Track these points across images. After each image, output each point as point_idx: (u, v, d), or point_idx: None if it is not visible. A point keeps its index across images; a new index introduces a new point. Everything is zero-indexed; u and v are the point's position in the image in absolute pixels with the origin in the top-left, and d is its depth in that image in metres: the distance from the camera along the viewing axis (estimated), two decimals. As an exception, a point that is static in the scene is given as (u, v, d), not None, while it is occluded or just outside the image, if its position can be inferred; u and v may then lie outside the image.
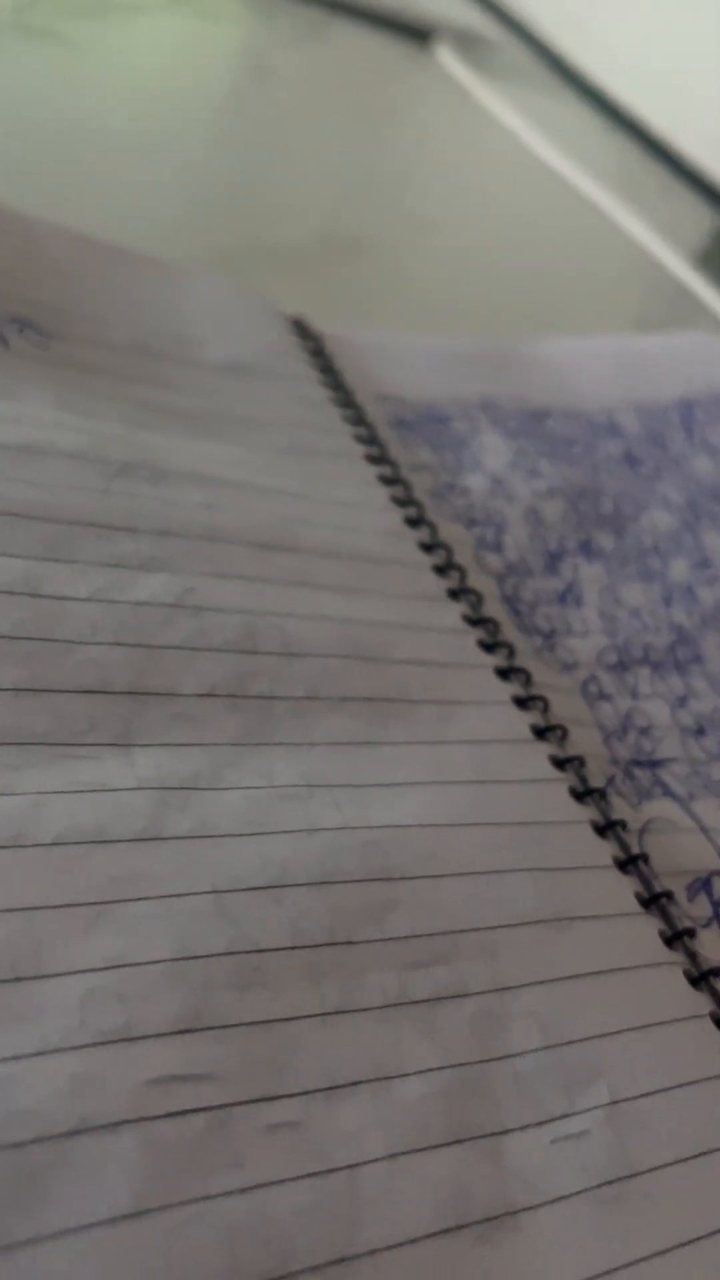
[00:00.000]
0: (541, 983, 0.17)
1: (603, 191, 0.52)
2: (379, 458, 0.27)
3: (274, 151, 0.47)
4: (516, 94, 0.62)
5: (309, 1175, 0.13)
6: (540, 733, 0.22)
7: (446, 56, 0.64)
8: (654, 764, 0.23)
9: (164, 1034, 0.14)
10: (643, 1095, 0.16)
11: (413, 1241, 0.14)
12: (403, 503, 0.26)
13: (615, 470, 0.30)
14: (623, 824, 0.20)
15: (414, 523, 0.25)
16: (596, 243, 0.49)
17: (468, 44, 0.66)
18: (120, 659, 0.18)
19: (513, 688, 0.22)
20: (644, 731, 0.24)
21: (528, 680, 0.23)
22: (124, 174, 0.38)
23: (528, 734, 0.22)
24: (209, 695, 0.19)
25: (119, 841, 0.16)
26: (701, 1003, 0.18)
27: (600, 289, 0.46)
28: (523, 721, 0.22)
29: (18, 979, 0.14)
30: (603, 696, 0.24)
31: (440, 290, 0.40)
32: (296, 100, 0.52)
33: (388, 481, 0.26)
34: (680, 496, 0.30)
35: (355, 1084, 0.15)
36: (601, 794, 0.21)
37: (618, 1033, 0.17)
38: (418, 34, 0.65)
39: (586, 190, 0.53)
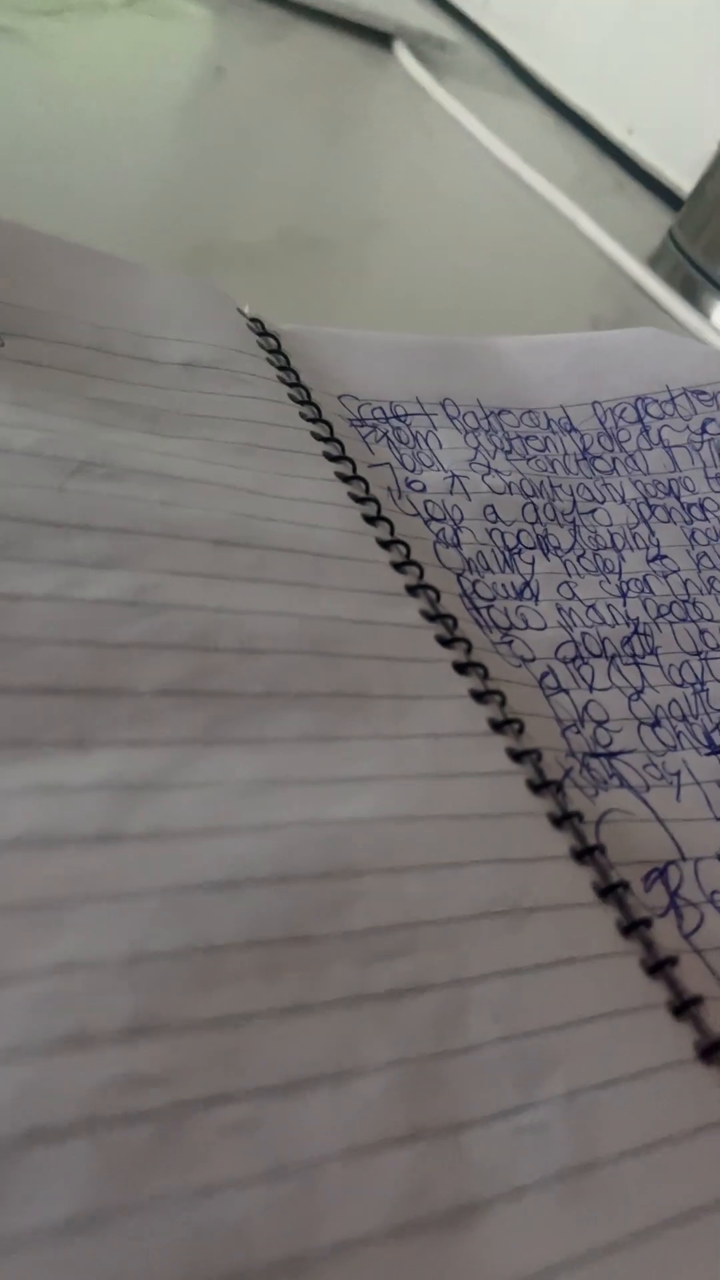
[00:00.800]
0: (500, 974, 0.17)
1: (558, 192, 0.52)
2: (337, 455, 0.27)
3: (233, 151, 0.47)
4: (474, 96, 0.62)
5: (268, 1174, 0.13)
6: (498, 726, 0.21)
7: (405, 58, 0.64)
8: (610, 755, 0.23)
9: (117, 1037, 0.14)
10: (600, 1085, 0.16)
11: (374, 1238, 0.13)
12: (360, 499, 0.25)
13: (572, 466, 0.30)
14: (579, 815, 0.20)
15: (372, 519, 0.25)
16: (551, 242, 0.49)
17: (426, 46, 0.65)
18: (76, 657, 0.18)
19: (470, 681, 0.22)
20: (601, 724, 0.24)
21: (485, 674, 0.22)
22: (82, 173, 0.37)
23: (485, 728, 0.21)
24: (166, 693, 0.18)
25: (75, 842, 0.15)
26: (657, 992, 0.18)
27: (555, 287, 0.46)
28: (480, 715, 0.22)
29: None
30: (560, 689, 0.24)
31: (397, 289, 0.39)
32: (256, 101, 0.51)
33: (346, 479, 0.26)
34: (635, 491, 0.30)
35: (314, 1081, 0.14)
36: (558, 786, 0.21)
37: (575, 1023, 0.17)
38: (378, 36, 0.64)
39: (543, 190, 0.53)
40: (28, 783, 0.16)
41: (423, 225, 0.46)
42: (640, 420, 0.32)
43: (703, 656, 0.26)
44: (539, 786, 0.21)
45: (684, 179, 0.63)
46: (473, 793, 0.19)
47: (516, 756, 0.21)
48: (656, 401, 0.32)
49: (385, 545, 0.25)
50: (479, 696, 0.22)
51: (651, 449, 0.31)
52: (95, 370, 0.24)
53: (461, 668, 0.22)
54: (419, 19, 0.68)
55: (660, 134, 0.65)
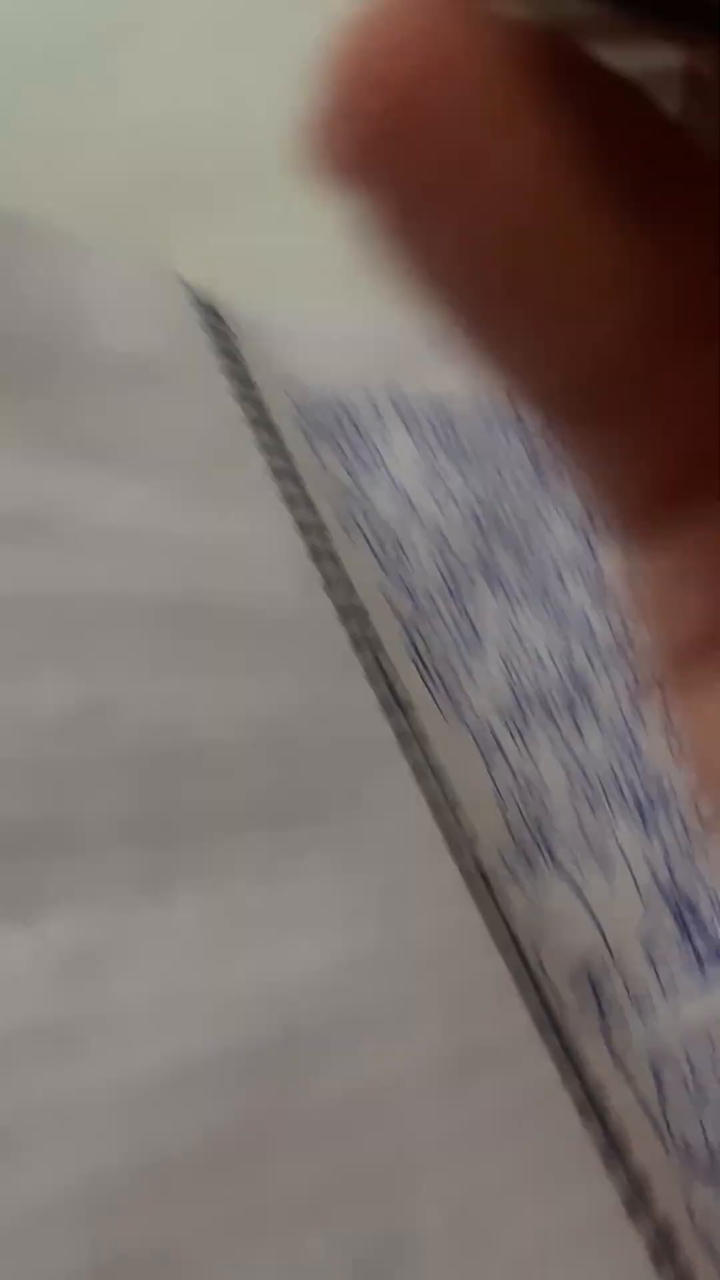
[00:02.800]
0: (448, 1151, 0.16)
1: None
2: (285, 470, 0.24)
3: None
4: None
5: None
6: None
7: None
8: (546, 837, 0.22)
9: None
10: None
11: None
12: (307, 528, 0.23)
13: (520, 478, 0.28)
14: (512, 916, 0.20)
15: (318, 555, 0.23)
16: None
17: None
18: (10, 789, 0.16)
19: (429, 787, 0.21)
20: (537, 795, 0.23)
21: (425, 743, 0.21)
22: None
23: (441, 846, 0.20)
24: (114, 828, 0.16)
25: (19, 1041, 0.14)
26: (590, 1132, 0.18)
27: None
28: (437, 831, 0.20)
29: None
30: (500, 750, 0.23)
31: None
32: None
33: (293, 502, 0.23)
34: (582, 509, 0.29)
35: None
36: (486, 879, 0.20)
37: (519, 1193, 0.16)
38: None
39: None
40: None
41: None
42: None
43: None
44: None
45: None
46: (429, 934, 0.18)
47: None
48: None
49: (329, 584, 0.23)
50: (437, 808, 0.21)
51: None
52: (19, 379, 0.21)
53: (420, 770, 0.21)
54: None
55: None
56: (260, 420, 0.24)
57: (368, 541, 0.25)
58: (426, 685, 0.23)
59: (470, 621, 0.25)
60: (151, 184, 0.30)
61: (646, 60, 0.08)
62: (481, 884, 0.20)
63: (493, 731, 0.23)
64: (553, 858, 0.22)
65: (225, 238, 0.28)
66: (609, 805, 0.24)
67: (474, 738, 0.23)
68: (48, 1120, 0.13)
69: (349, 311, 0.29)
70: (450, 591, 0.25)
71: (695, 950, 0.22)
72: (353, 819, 0.19)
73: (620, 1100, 0.19)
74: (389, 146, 0.07)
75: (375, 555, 0.24)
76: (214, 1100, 0.15)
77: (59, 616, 0.18)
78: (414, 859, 0.19)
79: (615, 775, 0.24)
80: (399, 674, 0.22)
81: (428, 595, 0.25)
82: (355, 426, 0.27)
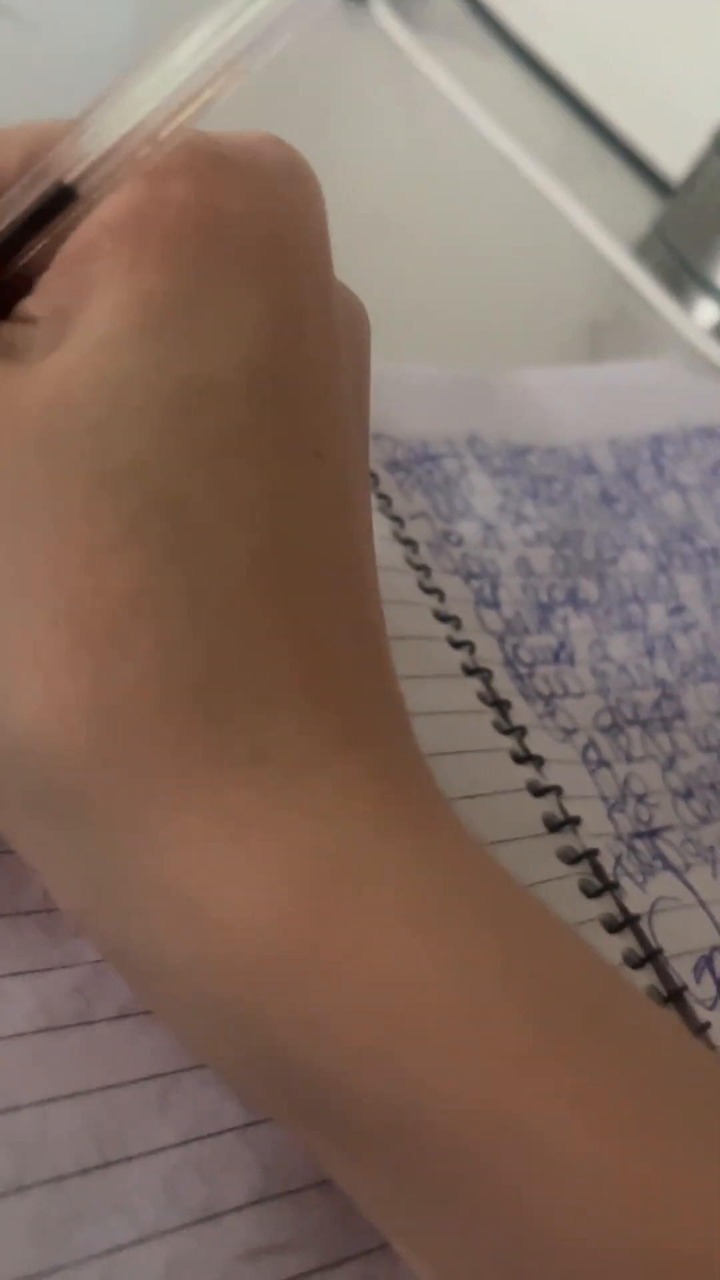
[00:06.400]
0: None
1: (547, 176, 0.50)
2: (385, 510, 0.25)
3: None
4: (451, 54, 0.59)
5: None
6: (554, 826, 0.21)
7: (383, 14, 0.59)
8: (653, 834, 0.23)
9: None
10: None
11: None
12: (415, 565, 0.24)
13: (594, 510, 0.29)
14: (635, 918, 0.20)
15: (426, 590, 0.24)
16: (541, 234, 0.47)
17: (404, 2, 0.61)
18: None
19: (527, 773, 0.22)
20: (641, 799, 0.23)
21: (540, 764, 0.22)
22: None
23: (540, 827, 0.21)
24: None
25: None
26: None
27: (548, 285, 0.44)
28: (536, 812, 0.21)
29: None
30: (602, 763, 0.24)
31: (380, 286, 0.37)
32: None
33: (400, 540, 0.25)
34: (653, 537, 0.30)
35: None
36: (614, 886, 0.21)
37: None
38: (356, -14, 0.60)
39: (529, 173, 0.50)
40: None
41: (407, 214, 0.44)
42: (655, 460, 0.31)
43: (725, 717, 0.26)
44: (594, 892, 0.20)
45: (658, 146, 0.60)
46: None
47: (571, 859, 0.21)
48: (671, 441, 0.31)
49: (442, 620, 0.24)
50: (537, 792, 0.21)
51: (667, 491, 0.31)
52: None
53: (519, 759, 0.22)
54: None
55: (636, 104, 0.62)
56: (355, 469, 0.26)
57: (458, 570, 0.26)
58: (528, 701, 0.24)
59: (559, 638, 0.26)
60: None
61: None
62: (602, 891, 0.21)
63: (593, 742, 0.24)
64: (661, 856, 0.22)
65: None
66: (706, 804, 0.24)
67: (576, 748, 0.24)
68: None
69: (425, 365, 0.30)
70: (537, 610, 0.26)
71: None
72: (464, 813, 0.20)
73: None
74: None
75: (468, 585, 0.26)
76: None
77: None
78: (520, 857, 0.20)
79: (710, 775, 0.25)
80: (511, 705, 0.23)
81: (518, 617, 0.26)
82: (436, 466, 0.28)
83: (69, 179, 0.13)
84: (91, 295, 0.13)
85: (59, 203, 0.13)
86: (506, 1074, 0.11)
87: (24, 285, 0.14)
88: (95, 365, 0.12)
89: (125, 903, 0.12)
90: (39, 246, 0.14)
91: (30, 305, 0.13)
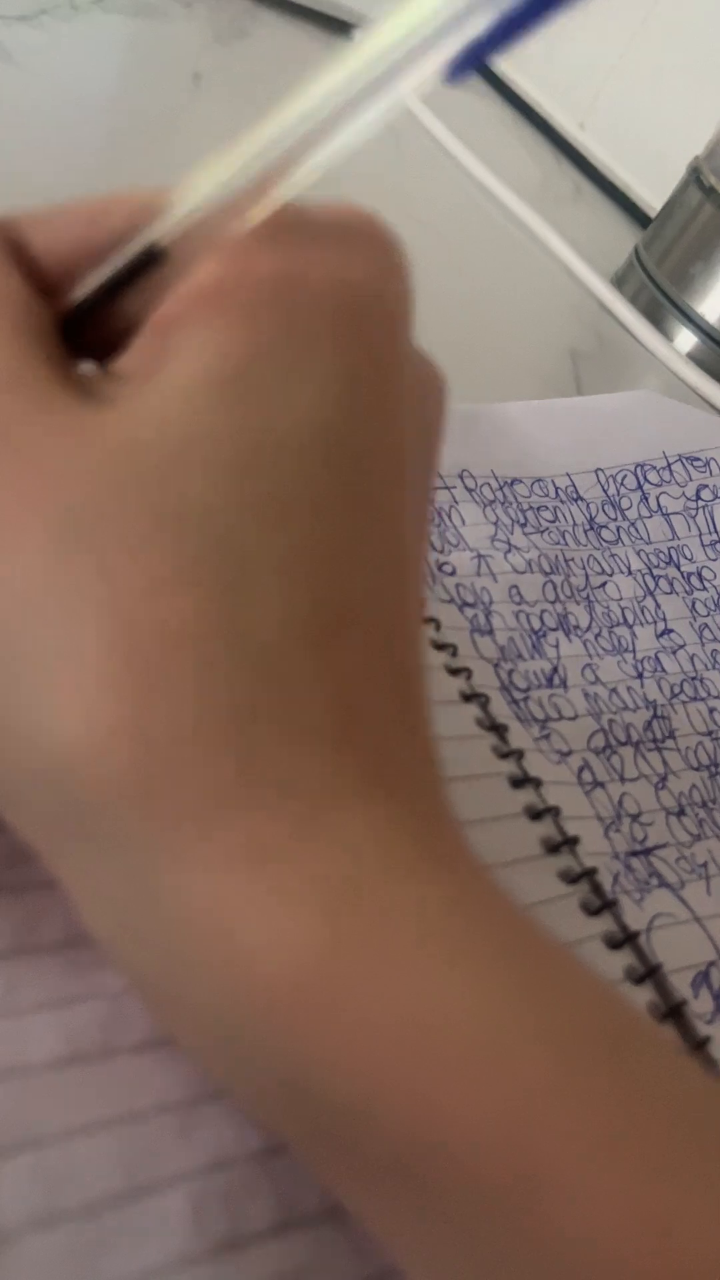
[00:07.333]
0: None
1: (528, 210, 0.51)
2: (376, 546, 0.26)
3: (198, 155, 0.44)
4: (434, 91, 0.60)
5: None
6: (553, 848, 0.22)
7: (367, 52, 0.60)
8: (647, 852, 0.23)
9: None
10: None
11: None
12: (406, 598, 0.25)
13: (581, 538, 0.30)
14: (634, 935, 0.21)
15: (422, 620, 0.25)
16: (523, 263, 0.48)
17: (387, 39, 0.62)
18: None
19: (527, 796, 0.22)
20: (635, 818, 0.24)
21: (539, 786, 0.23)
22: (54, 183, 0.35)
23: (538, 849, 0.21)
24: None
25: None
26: None
27: (531, 315, 0.45)
28: (534, 835, 0.22)
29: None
30: (597, 784, 0.24)
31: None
32: (231, 104, 0.48)
33: (389, 575, 0.25)
34: (640, 562, 0.30)
35: None
36: (612, 904, 0.21)
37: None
38: (339, 25, 0.61)
39: (513, 206, 0.51)
40: None
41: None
42: (640, 487, 0.32)
43: (714, 736, 0.27)
44: (595, 910, 0.21)
45: (634, 178, 0.62)
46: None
47: (572, 879, 0.21)
48: (655, 468, 0.32)
49: (438, 648, 0.24)
50: (535, 815, 0.22)
51: (651, 516, 0.31)
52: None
53: (517, 782, 0.22)
54: (378, 8, 0.64)
55: (611, 130, 0.63)
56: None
57: (452, 599, 0.26)
58: (524, 725, 0.24)
59: (551, 663, 0.26)
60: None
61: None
62: (602, 909, 0.21)
63: (587, 764, 0.24)
64: (656, 873, 0.23)
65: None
66: (698, 821, 0.25)
67: (571, 770, 0.24)
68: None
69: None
70: (530, 636, 0.27)
71: None
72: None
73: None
74: None
75: (463, 613, 0.26)
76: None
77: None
78: (521, 877, 0.21)
79: (701, 793, 0.25)
80: (509, 729, 0.24)
81: (511, 643, 0.26)
82: (429, 503, 0.29)
83: (161, 244, 0.14)
84: (175, 354, 0.13)
85: (147, 263, 0.14)
86: (525, 1106, 0.11)
87: (119, 345, 0.15)
88: (169, 412, 0.13)
89: (151, 925, 0.12)
90: (130, 305, 0.14)
91: (122, 363, 0.14)
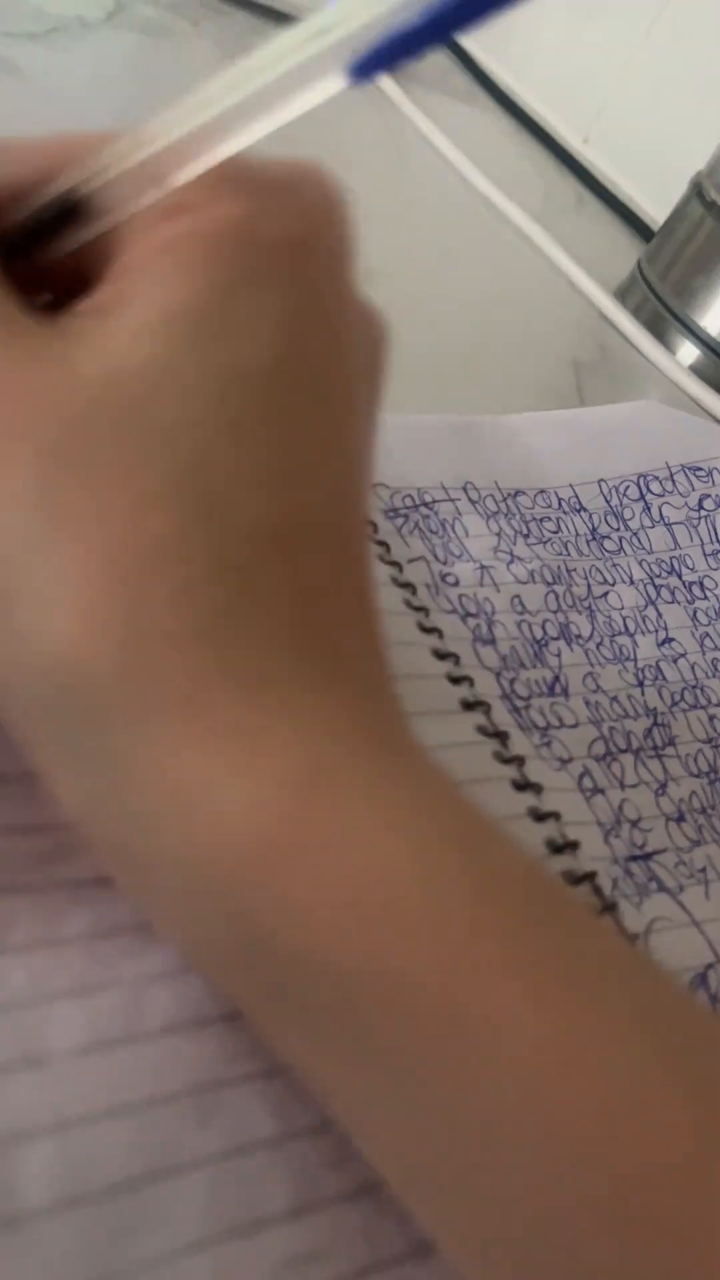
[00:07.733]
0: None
1: (531, 221, 0.52)
2: (384, 556, 0.27)
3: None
4: (438, 105, 0.61)
5: None
6: (557, 849, 0.22)
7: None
8: (647, 857, 0.24)
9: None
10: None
11: None
12: (414, 607, 0.26)
13: (584, 548, 0.31)
14: (634, 938, 0.21)
15: (425, 630, 0.25)
16: (527, 276, 0.49)
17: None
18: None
19: (528, 800, 0.23)
20: (635, 823, 0.25)
21: (540, 792, 0.23)
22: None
23: (543, 850, 0.22)
24: None
25: None
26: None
27: (535, 327, 0.45)
28: (538, 836, 0.22)
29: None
30: (597, 790, 0.25)
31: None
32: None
33: (399, 584, 0.26)
34: (642, 572, 0.31)
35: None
36: (613, 907, 0.22)
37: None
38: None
39: (515, 218, 0.52)
40: None
41: (395, 259, 0.45)
42: (642, 498, 0.32)
43: (714, 743, 0.27)
44: (596, 912, 0.21)
45: (637, 191, 0.62)
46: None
47: (573, 881, 0.22)
48: (657, 479, 0.33)
49: (440, 657, 0.25)
50: (538, 817, 0.23)
51: (654, 526, 0.32)
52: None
53: (519, 786, 0.23)
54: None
55: (615, 144, 0.64)
56: (357, 515, 0.27)
57: (455, 609, 0.27)
58: (524, 733, 0.25)
59: (554, 674, 0.27)
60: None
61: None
62: (602, 912, 0.22)
63: (588, 770, 0.25)
64: (656, 879, 0.23)
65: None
66: (698, 827, 0.25)
67: (572, 777, 0.25)
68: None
69: (419, 416, 0.31)
70: (532, 645, 0.27)
71: None
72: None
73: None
74: None
75: (466, 623, 0.27)
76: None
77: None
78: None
79: (700, 800, 0.26)
80: (510, 736, 0.24)
81: (513, 652, 0.27)
82: (432, 511, 0.29)
83: (80, 193, 0.15)
84: (141, 294, 0.15)
85: (74, 207, 0.15)
86: (458, 954, 0.12)
87: (79, 288, 0.16)
88: (142, 344, 0.14)
89: (130, 801, 0.13)
90: (60, 248, 0.16)
91: (86, 303, 0.16)
